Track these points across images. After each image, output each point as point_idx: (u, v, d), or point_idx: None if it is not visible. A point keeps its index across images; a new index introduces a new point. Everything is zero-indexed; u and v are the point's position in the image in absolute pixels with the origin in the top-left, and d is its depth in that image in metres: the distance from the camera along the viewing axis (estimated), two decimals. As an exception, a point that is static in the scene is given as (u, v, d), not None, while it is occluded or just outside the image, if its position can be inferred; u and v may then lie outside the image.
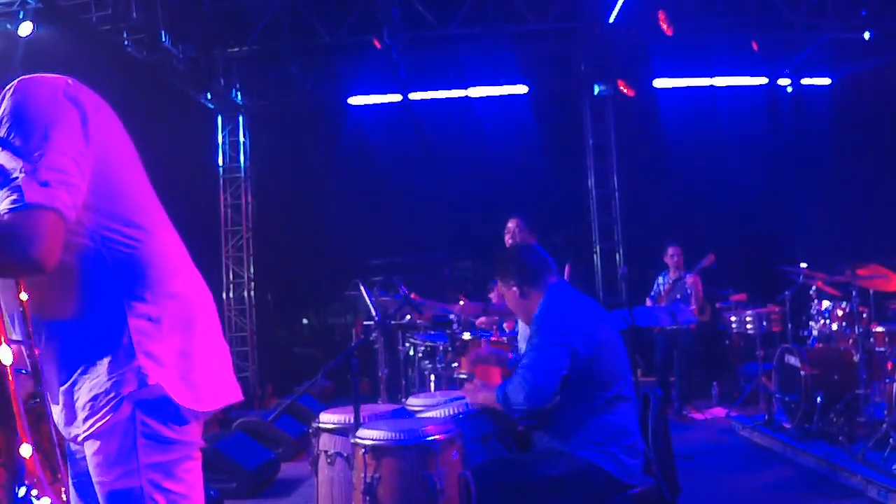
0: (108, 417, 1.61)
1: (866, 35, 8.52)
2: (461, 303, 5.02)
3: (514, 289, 3.03)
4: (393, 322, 5.44)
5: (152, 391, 1.62)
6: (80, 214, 1.60)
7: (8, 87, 1.62)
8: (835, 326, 5.79)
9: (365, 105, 10.55)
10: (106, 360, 1.62)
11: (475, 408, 3.08)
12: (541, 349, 2.81)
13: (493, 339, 5.18)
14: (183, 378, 1.66)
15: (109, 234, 1.66)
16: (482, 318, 5.52)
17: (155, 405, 1.63)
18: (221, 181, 11.01)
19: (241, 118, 10.99)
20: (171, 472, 1.65)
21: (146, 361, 1.62)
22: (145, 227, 1.72)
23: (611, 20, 8.50)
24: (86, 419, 1.62)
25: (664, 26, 8.23)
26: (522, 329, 5.00)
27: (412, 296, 4.75)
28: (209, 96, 10.32)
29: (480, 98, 10.38)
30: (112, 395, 1.61)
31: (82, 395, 1.62)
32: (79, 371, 1.64)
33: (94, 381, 1.62)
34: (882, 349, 5.08)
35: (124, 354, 1.62)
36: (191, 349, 1.70)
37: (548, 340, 2.81)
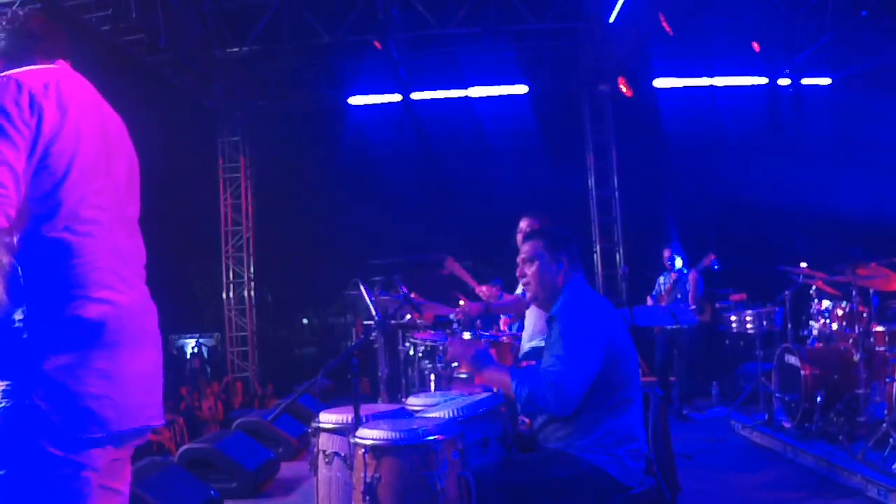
0: None
1: (866, 35, 8.52)
2: (461, 303, 5.00)
3: (562, 265, 2.92)
4: (393, 322, 5.42)
5: (27, 408, 1.65)
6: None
7: None
8: (835, 326, 5.78)
9: (365, 105, 10.55)
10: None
11: (480, 393, 3.03)
12: (571, 356, 2.71)
13: (498, 338, 5.16)
14: (62, 402, 1.67)
15: (23, 244, 1.70)
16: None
17: (32, 421, 1.66)
18: (221, 181, 11.02)
19: (240, 118, 10.99)
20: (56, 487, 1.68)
21: (23, 380, 1.66)
22: (73, 236, 1.73)
23: (611, 20, 8.49)
24: None
25: (665, 26, 8.24)
26: (529, 327, 4.99)
27: (412, 295, 4.74)
28: (209, 96, 10.32)
29: (480, 98, 10.38)
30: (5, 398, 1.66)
31: None
32: None
33: None
34: (882, 349, 5.06)
35: (7, 366, 1.67)
36: (82, 373, 1.69)
37: (577, 346, 2.72)
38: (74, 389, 1.68)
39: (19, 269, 1.69)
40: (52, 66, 1.89)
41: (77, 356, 1.69)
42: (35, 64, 1.88)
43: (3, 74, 1.73)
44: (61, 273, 1.71)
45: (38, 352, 1.67)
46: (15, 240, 1.70)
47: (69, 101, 1.76)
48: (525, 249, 3.02)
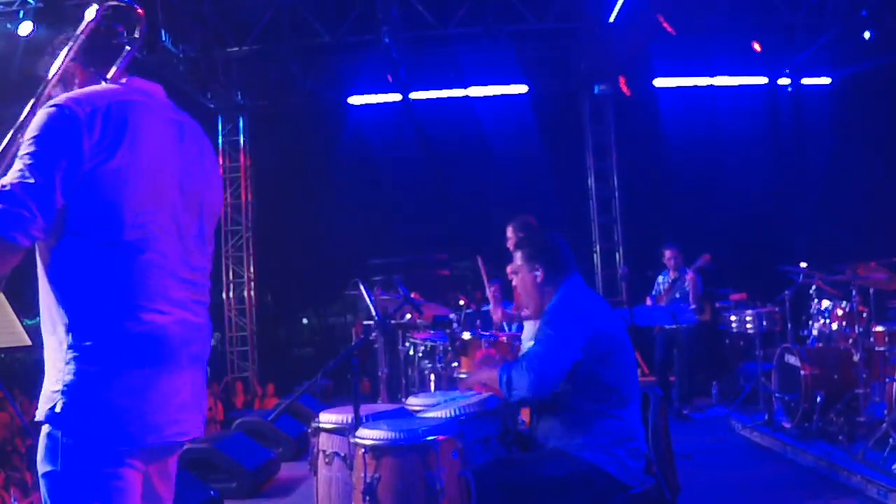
0: (42, 418, 1.74)
1: (866, 35, 8.51)
2: (464, 297, 4.97)
3: (538, 273, 2.99)
4: (393, 321, 5.43)
5: (69, 416, 1.71)
6: (52, 230, 1.70)
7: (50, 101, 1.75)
8: (835, 326, 5.78)
9: (365, 105, 10.55)
10: (51, 370, 1.76)
11: (473, 391, 3.11)
12: (552, 340, 2.80)
13: (497, 338, 5.15)
14: (95, 418, 1.71)
15: (75, 253, 1.73)
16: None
17: (72, 432, 1.71)
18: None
19: (240, 118, 11.00)
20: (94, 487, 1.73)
21: (67, 392, 1.71)
22: (122, 252, 1.75)
23: (611, 20, 8.48)
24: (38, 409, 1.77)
25: (665, 25, 8.23)
26: (529, 328, 5.00)
27: (412, 295, 4.75)
28: (209, 96, 10.32)
29: (480, 97, 10.38)
30: (51, 403, 1.73)
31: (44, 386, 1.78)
32: (47, 363, 1.79)
33: (46, 381, 1.77)
34: (882, 348, 5.06)
35: (59, 375, 1.73)
36: (112, 389, 1.72)
37: (560, 332, 2.80)
38: (106, 405, 1.72)
39: (62, 285, 1.74)
40: (113, 85, 1.86)
41: (110, 373, 1.73)
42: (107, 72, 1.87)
43: (52, 101, 1.74)
44: (107, 290, 1.74)
45: (69, 365, 1.71)
46: (56, 257, 1.73)
47: (115, 131, 1.74)
48: (513, 262, 3.16)
